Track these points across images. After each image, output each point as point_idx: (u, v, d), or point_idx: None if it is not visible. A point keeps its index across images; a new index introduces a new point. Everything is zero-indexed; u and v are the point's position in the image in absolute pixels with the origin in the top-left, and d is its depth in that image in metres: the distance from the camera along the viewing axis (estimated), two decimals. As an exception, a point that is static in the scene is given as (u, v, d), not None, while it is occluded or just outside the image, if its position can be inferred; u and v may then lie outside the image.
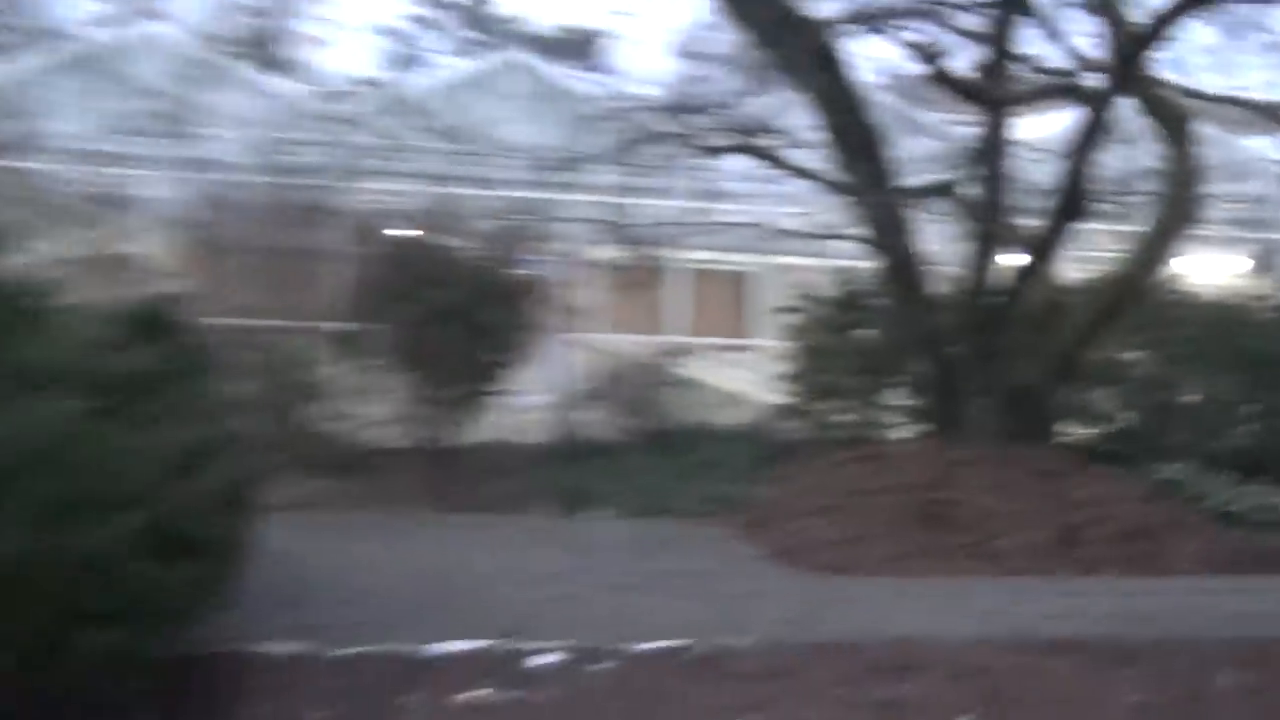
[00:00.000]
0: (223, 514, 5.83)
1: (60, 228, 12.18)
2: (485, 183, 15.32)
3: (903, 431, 13.40)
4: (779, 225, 14.15)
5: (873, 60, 13.39)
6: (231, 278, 13.67)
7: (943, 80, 12.41)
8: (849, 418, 13.94)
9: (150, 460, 5.34)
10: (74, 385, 5.29)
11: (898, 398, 13.72)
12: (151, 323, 6.50)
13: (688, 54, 15.70)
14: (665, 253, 15.09)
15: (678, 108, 13.37)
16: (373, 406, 13.13)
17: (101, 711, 5.40)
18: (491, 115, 17.28)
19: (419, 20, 47.07)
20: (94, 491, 5.02)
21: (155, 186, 15.02)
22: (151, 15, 29.34)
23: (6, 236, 6.46)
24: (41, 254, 8.22)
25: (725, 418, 14.91)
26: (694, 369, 16.12)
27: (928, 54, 12.06)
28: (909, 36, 12.06)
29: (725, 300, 20.17)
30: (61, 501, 4.91)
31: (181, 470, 5.50)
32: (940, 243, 13.03)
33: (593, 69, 27.10)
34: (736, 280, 19.96)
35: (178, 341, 6.51)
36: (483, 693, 6.49)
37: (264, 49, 33.38)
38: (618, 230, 14.29)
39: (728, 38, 13.63)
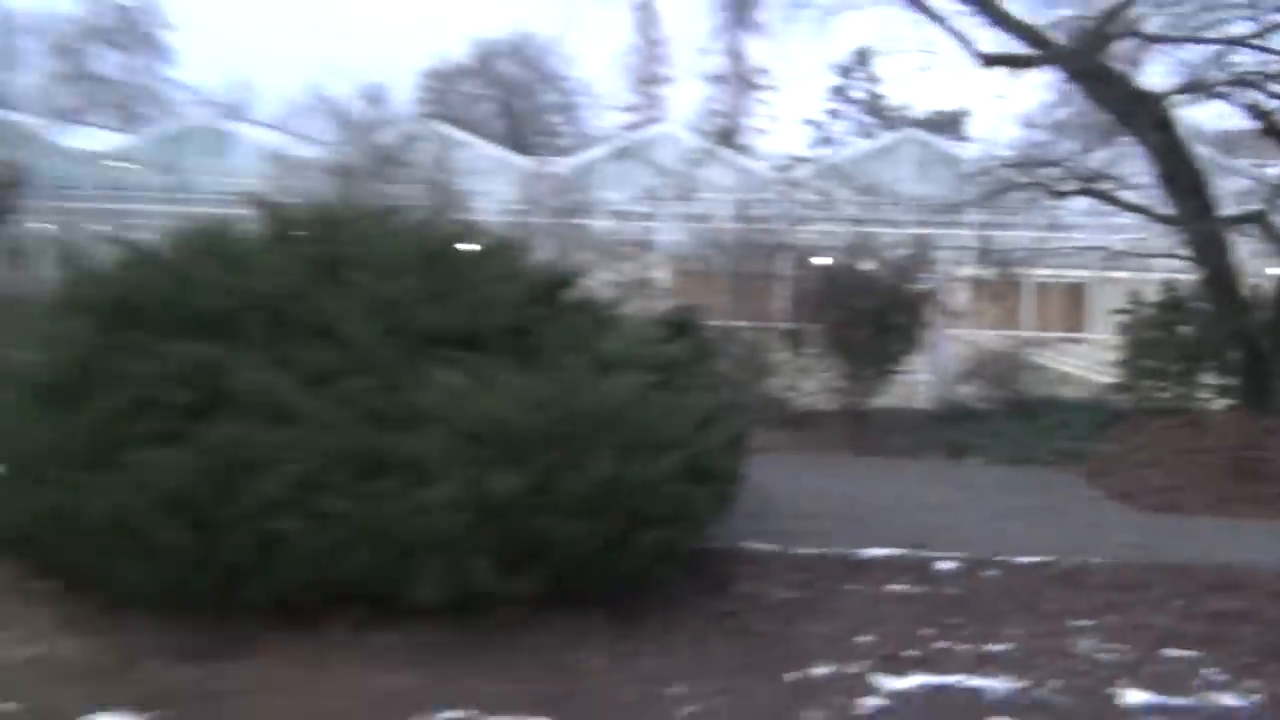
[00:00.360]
0: (727, 454, 5.94)
1: (610, 262, 12.86)
2: (890, 223, 15.09)
3: (1214, 406, 12.16)
4: (1116, 248, 13.14)
5: (1193, 117, 12.25)
6: (716, 293, 14.05)
7: (1269, 132, 11.17)
8: (1168, 394, 12.76)
9: (684, 417, 5.50)
10: (636, 367, 5.54)
11: (1210, 379, 12.46)
12: (679, 325, 6.74)
13: (1036, 123, 14.85)
14: (1021, 270, 14.44)
15: (1033, 163, 12.68)
16: (809, 381, 13.15)
17: (650, 587, 5.63)
18: (893, 175, 17.00)
19: (832, 112, 46.90)
20: (651, 438, 5.21)
21: (667, 234, 15.67)
22: (660, 119, 30.68)
23: (581, 271, 6.84)
24: (602, 280, 8.70)
25: (1066, 393, 14.01)
26: (1042, 356, 15.22)
27: (1258, 113, 10.89)
28: (1237, 99, 10.94)
29: (1066, 304, 19.07)
30: (631, 444, 5.12)
31: (703, 424, 5.64)
32: (1250, 257, 11.77)
33: (964, 138, 26.10)
34: (1074, 289, 18.82)
35: (695, 337, 6.72)
36: (903, 586, 6.36)
37: (730, 137, 34.12)
38: (986, 255, 13.78)
39: (1067, 109, 12.82)
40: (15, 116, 21.78)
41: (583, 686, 4.81)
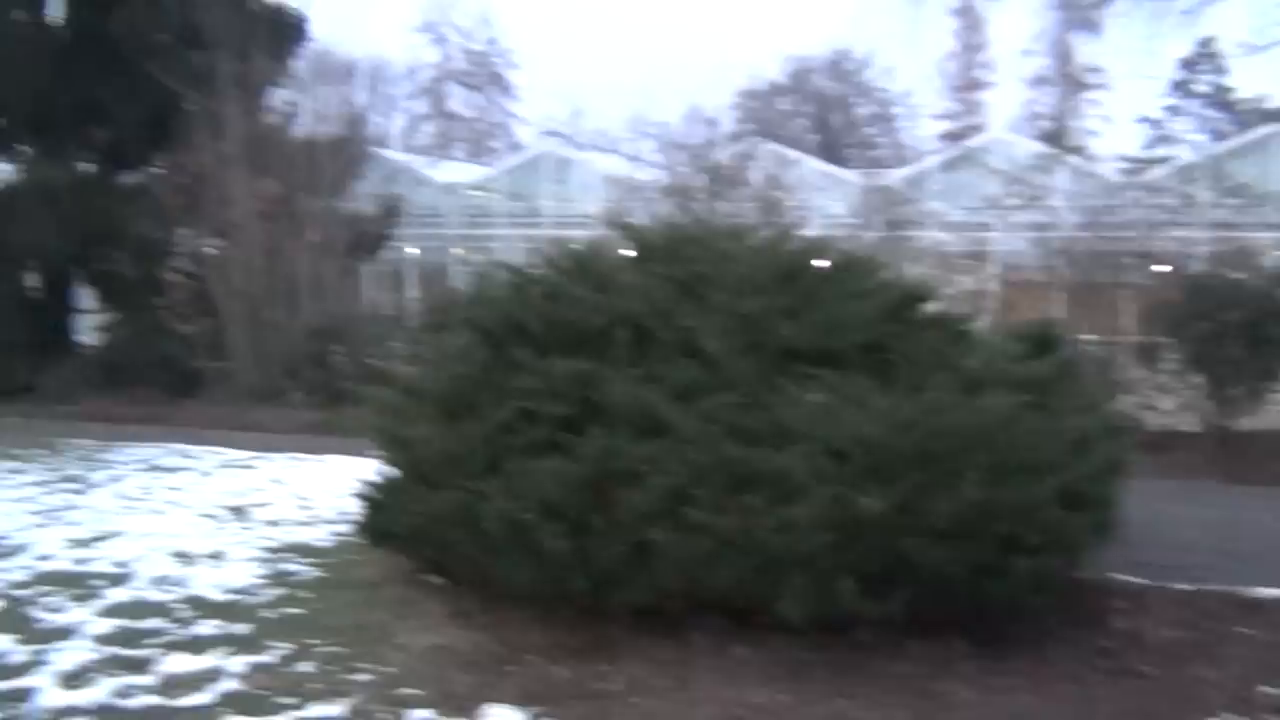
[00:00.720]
0: (1104, 480, 5.46)
1: (946, 275, 12.36)
2: (1267, 226, 13.48)
3: None
4: None
5: None
6: (1056, 305, 13.15)
7: None
8: None
9: (1059, 439, 5.11)
10: (1002, 385, 5.22)
11: None
12: (1041, 340, 6.29)
13: None
14: None
15: None
16: (1167, 400, 11.97)
17: (1017, 617, 5.27)
18: (1265, 173, 15.18)
19: (1171, 109, 43.00)
20: (1023, 461, 4.88)
21: (1004, 244, 14.88)
22: (981, 126, 29.29)
23: (928, 287, 6.53)
24: (946, 295, 8.32)
25: None
26: None
27: None
28: None
29: None
30: (1002, 467, 4.82)
31: (1078, 447, 5.22)
32: None
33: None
34: None
35: (1060, 354, 6.24)
36: (1311, 635, 5.56)
37: (1060, 139, 32.03)
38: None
39: None
40: (389, 154, 24.24)
41: (952, 719, 4.56)
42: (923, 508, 4.72)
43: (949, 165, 17.07)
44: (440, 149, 41.15)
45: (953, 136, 35.18)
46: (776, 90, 45.29)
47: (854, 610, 4.80)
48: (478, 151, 43.17)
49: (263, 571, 6.47)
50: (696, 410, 5.04)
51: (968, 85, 45.40)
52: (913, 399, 4.97)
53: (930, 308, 6.21)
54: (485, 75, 47.65)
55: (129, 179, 16.63)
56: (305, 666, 4.88)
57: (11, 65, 15.18)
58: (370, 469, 6.63)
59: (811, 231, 11.86)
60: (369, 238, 16.45)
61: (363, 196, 16.87)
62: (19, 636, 5.19)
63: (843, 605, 4.76)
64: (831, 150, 36.54)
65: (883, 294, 5.98)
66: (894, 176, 17.56)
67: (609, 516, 4.96)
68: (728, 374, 5.27)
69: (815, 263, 6.19)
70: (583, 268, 6.06)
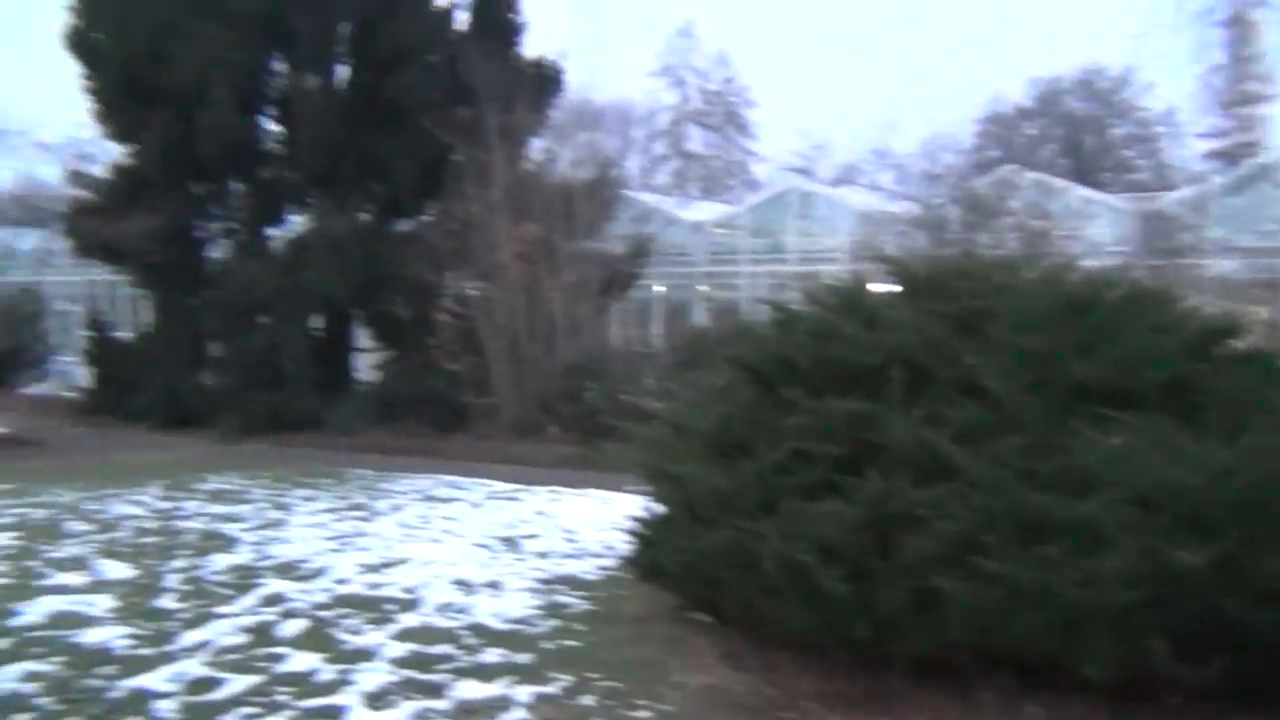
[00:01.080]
0: None
1: (1236, 306, 11.27)
2: None
3: None
4: None
5: None
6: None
7: None
8: None
9: None
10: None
11: None
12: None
13: None
14: None
15: None
16: None
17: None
18: None
19: None
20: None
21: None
22: (1258, 143, 26.88)
23: (1236, 321, 5.92)
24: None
25: None
26: None
27: None
28: None
29: None
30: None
31: None
32: None
33: None
34: None
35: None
36: None
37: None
38: None
39: None
40: (639, 195, 24.91)
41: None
42: (1247, 564, 4.25)
43: (1236, 186, 15.56)
44: (678, 188, 41.96)
45: (1223, 155, 32.41)
46: (1022, 114, 43.30)
47: (1167, 674, 4.38)
48: (713, 189, 43.71)
49: (537, 602, 6.65)
50: (982, 453, 4.77)
51: (1239, 99, 41.79)
52: (1230, 444, 4.50)
53: (1238, 343, 5.65)
54: (722, 114, 48.29)
55: (403, 227, 17.86)
56: (587, 700, 4.95)
57: (306, 126, 16.72)
58: (629, 504, 6.71)
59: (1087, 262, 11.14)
60: (621, 276, 16.89)
61: (614, 237, 17.35)
62: (326, 655, 5.55)
63: (1154, 668, 4.35)
64: (1084, 174, 34.48)
65: (1184, 328, 5.49)
66: (1168, 200, 16.24)
67: (890, 561, 4.77)
68: (1013, 415, 4.97)
69: (1103, 295, 5.76)
70: (849, 304, 5.92)
